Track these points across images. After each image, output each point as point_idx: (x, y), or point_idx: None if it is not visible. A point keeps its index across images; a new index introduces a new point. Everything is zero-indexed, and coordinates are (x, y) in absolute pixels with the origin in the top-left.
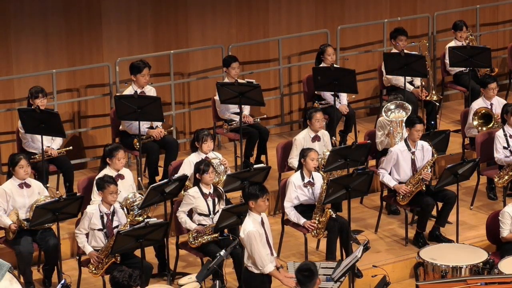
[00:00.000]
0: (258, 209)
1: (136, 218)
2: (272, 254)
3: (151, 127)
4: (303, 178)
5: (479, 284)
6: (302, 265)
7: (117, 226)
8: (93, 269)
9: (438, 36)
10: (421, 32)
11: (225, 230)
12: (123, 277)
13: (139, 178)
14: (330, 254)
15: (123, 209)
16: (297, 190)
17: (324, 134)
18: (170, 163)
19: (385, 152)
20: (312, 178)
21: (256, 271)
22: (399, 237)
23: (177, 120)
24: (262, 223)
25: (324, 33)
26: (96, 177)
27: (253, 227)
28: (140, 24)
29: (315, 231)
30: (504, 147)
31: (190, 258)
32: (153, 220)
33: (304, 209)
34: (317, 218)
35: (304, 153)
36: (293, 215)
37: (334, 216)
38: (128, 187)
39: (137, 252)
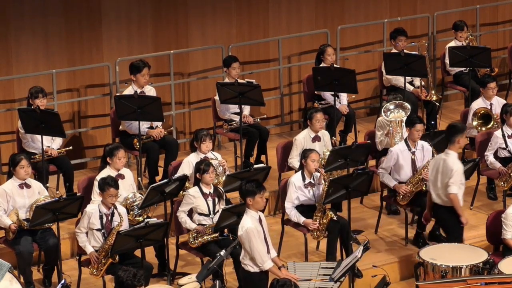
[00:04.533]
0: (256, 206)
1: (136, 218)
2: (269, 252)
3: (151, 127)
4: (304, 179)
5: (479, 284)
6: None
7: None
8: (94, 270)
9: (438, 36)
10: (421, 32)
11: (225, 230)
12: (127, 277)
13: (139, 178)
14: (330, 255)
15: (116, 208)
16: (298, 191)
17: (324, 134)
18: (170, 163)
19: (385, 152)
20: (313, 179)
21: (253, 270)
22: (399, 237)
23: (177, 120)
24: (260, 221)
25: (324, 33)
26: (97, 177)
27: (252, 224)
28: (140, 24)
29: (315, 233)
30: (502, 148)
31: (190, 258)
32: (153, 220)
33: (304, 209)
34: (317, 220)
35: (305, 154)
36: (294, 215)
37: (335, 218)
38: (128, 187)
39: (137, 252)
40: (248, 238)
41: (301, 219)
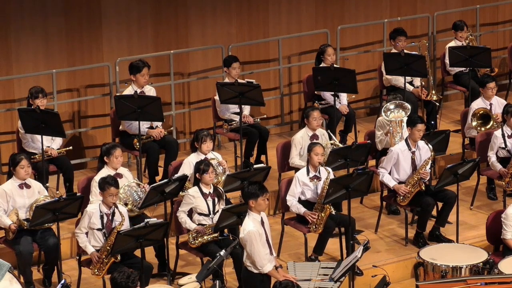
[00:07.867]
0: (258, 208)
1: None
2: (271, 253)
3: (151, 127)
4: (308, 172)
5: (479, 284)
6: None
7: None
8: (96, 270)
9: (438, 36)
10: (421, 32)
11: (225, 230)
12: (121, 278)
13: (139, 178)
14: (318, 250)
15: (117, 207)
16: (302, 186)
17: (322, 133)
18: (170, 163)
19: (384, 152)
20: (319, 173)
21: (255, 271)
22: (399, 237)
23: (177, 120)
24: (262, 223)
25: (324, 33)
26: (95, 177)
27: (253, 227)
28: (140, 24)
29: (314, 226)
30: (502, 147)
31: (190, 258)
32: (153, 220)
33: (309, 207)
34: (317, 213)
35: (309, 147)
36: (294, 206)
37: (333, 213)
38: None
39: (137, 252)
40: (250, 241)
41: (302, 210)
